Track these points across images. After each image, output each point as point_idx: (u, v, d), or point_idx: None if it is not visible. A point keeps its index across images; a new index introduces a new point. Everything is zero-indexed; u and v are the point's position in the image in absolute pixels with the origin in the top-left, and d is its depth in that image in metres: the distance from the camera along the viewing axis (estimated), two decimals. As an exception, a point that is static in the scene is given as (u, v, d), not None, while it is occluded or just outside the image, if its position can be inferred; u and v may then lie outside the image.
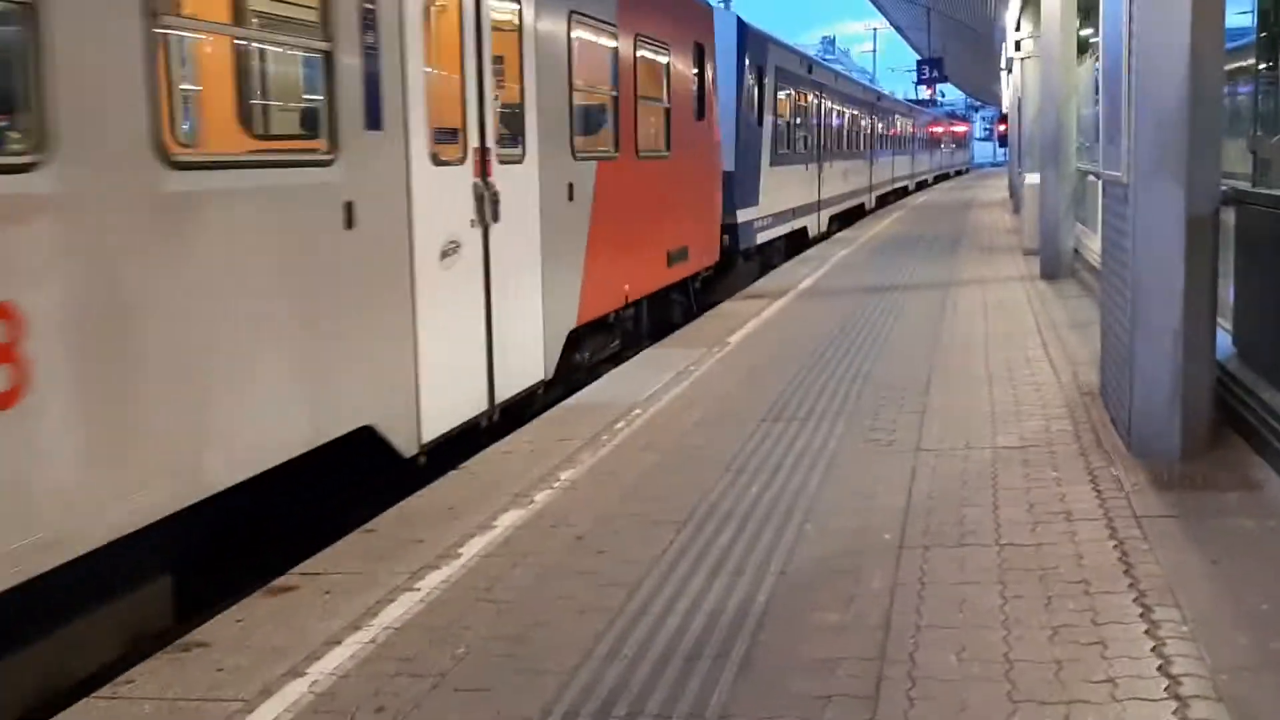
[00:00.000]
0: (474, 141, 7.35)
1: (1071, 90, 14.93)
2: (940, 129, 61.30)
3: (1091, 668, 3.78)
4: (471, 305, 7.39)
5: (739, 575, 4.77)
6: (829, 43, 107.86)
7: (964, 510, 5.46)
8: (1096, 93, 15.47)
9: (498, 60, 7.86)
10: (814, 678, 3.81)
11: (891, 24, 43.81)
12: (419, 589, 4.86)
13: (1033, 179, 17.55)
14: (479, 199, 7.33)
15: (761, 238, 18.05)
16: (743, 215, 16.65)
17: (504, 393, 7.83)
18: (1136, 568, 4.62)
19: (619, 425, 7.59)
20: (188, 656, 4.30)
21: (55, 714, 3.97)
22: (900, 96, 50.94)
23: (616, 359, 10.67)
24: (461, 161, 7.21)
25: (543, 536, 5.44)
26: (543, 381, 8.65)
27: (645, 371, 9.51)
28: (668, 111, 12.16)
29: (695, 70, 13.24)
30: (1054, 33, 14.65)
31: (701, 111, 13.56)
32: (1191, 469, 5.93)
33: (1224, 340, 6.88)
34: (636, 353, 10.82)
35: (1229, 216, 6.93)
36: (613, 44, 10.42)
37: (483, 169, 7.44)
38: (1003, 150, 71.03)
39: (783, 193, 19.62)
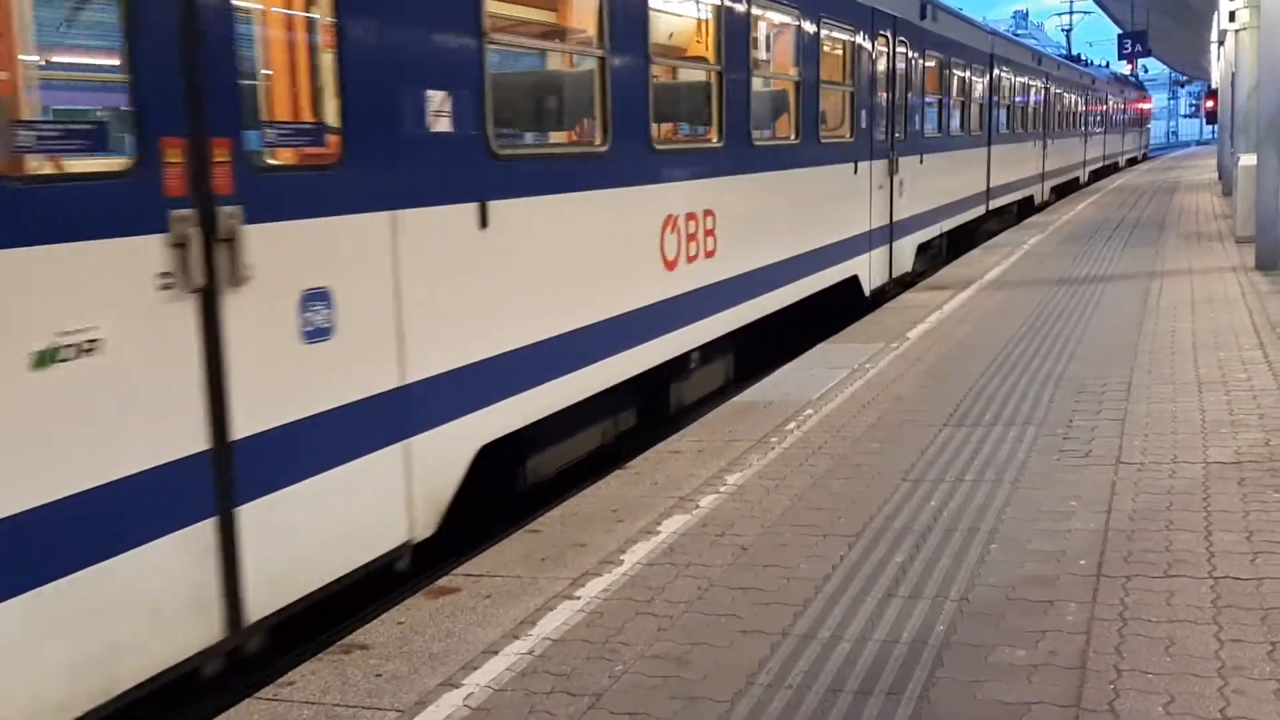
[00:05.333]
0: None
1: (1296, 64, 13.65)
2: (1107, 104, 41.06)
3: (1327, 734, 3.31)
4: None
5: (915, 600, 4.44)
6: (1021, 17, 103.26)
7: (1171, 535, 4.95)
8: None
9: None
10: (998, 724, 3.47)
11: (1090, -4, 41.47)
12: (579, 597, 4.73)
13: (1248, 160, 16.20)
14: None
15: None
16: None
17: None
18: (1379, 612, 4.06)
19: (790, 426, 7.30)
20: (348, 659, 4.29)
21: (220, 712, 4.01)
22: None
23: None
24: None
25: (707, 545, 5.23)
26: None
27: (818, 368, 9.17)
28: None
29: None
30: (1276, 1, 13.41)
31: None
32: None
33: None
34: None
35: None
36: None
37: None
38: (1210, 127, 66.28)
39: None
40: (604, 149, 6.82)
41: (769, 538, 5.28)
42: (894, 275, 13.84)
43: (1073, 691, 3.63)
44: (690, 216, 8.00)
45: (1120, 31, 41.56)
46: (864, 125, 12.42)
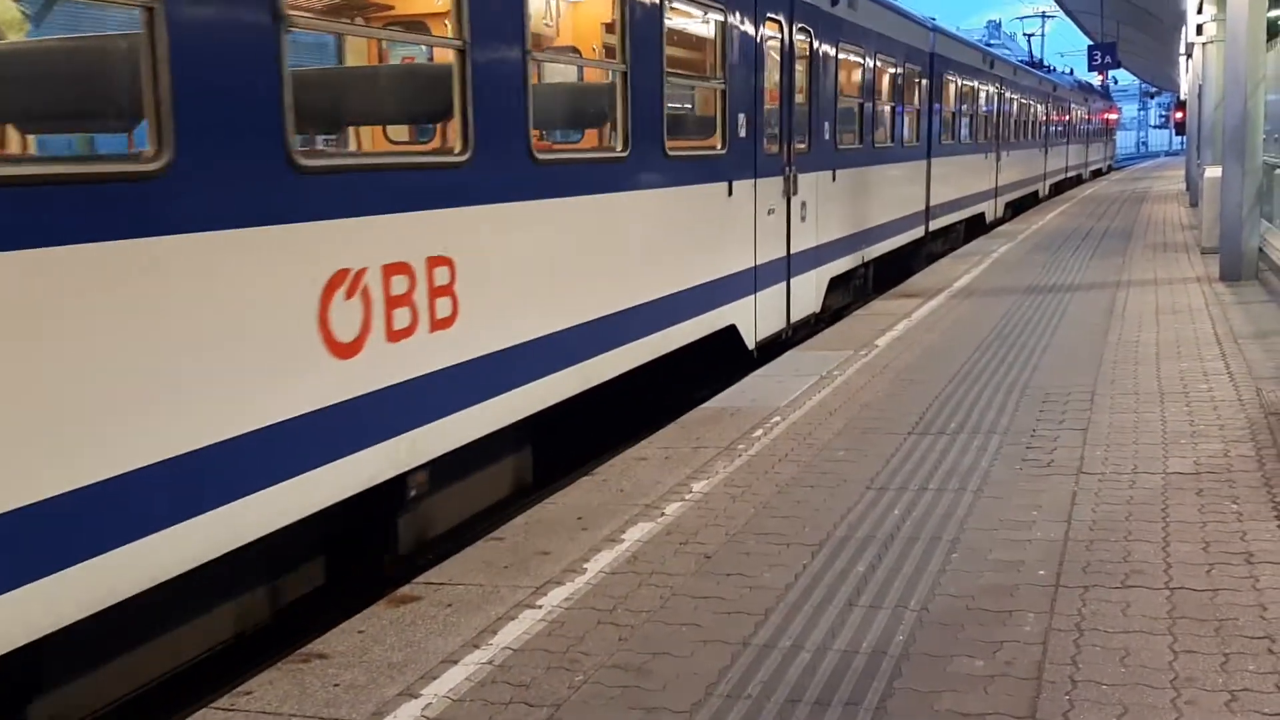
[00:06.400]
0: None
1: (1260, 77, 13.85)
2: (1070, 113, 38.99)
3: (1276, 745, 3.34)
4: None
5: (876, 610, 4.46)
6: (995, 26, 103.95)
7: (1130, 545, 4.99)
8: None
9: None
10: (954, 735, 3.49)
11: (1062, 8, 41.89)
12: (541, 606, 4.72)
13: (1213, 172, 16.41)
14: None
15: None
16: None
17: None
18: (1330, 624, 4.11)
19: (757, 433, 7.32)
20: (306, 668, 4.25)
21: (174, 722, 3.95)
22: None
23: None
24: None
25: (671, 554, 5.23)
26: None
27: (788, 375, 9.19)
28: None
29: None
30: (1241, 15, 13.60)
31: None
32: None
33: None
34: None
35: None
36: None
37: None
38: (1179, 138, 66.90)
39: None
40: (155, 166, 4.06)
41: (733, 546, 5.28)
42: (793, 319, 11.01)
43: (1028, 702, 3.65)
44: (397, 271, 5.23)
45: (1090, 43, 41.96)
46: (742, 134, 9.56)
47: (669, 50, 8.19)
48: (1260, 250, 13.82)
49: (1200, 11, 18.96)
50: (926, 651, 4.06)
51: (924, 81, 17.69)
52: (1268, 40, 14.01)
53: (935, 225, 18.62)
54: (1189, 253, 17.07)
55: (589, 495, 6.23)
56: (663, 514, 5.82)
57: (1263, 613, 4.22)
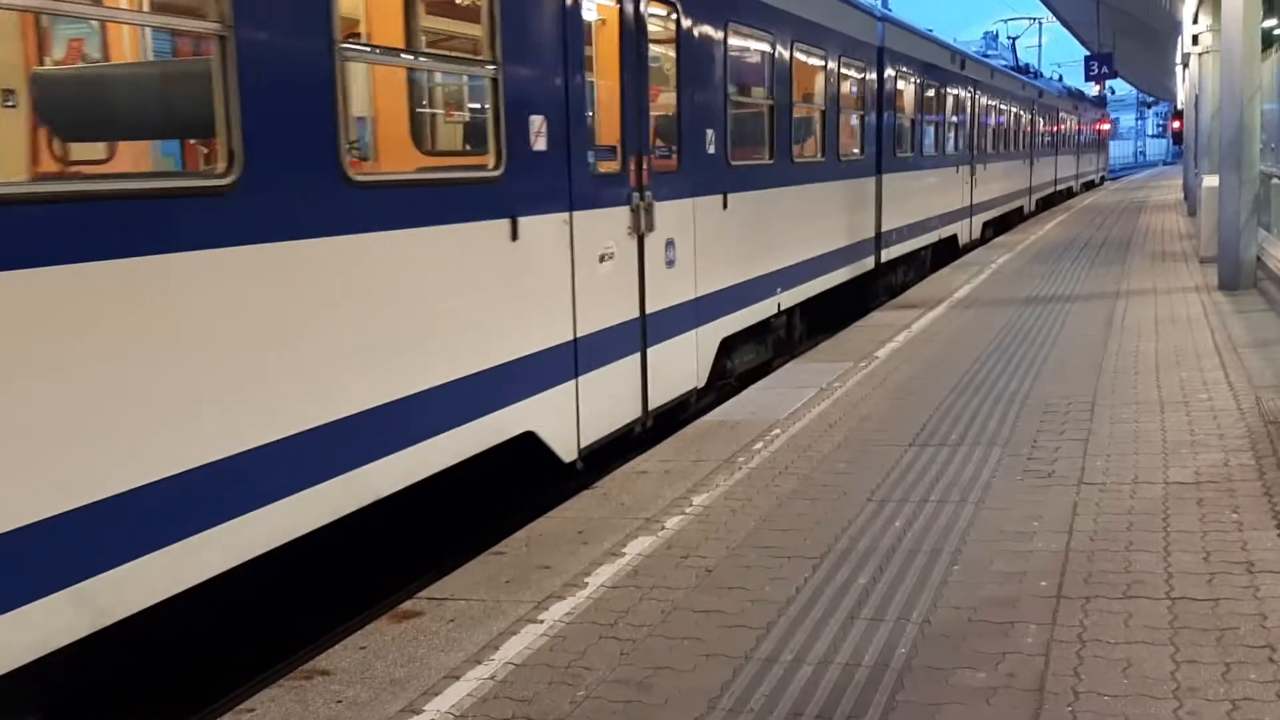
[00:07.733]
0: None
1: (1255, 88, 13.90)
2: (1059, 121, 37.00)
3: (1279, 755, 3.34)
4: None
5: (878, 622, 4.46)
6: (992, 37, 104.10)
7: (1131, 556, 5.00)
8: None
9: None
10: (957, 748, 3.49)
11: (1059, 19, 42.02)
12: (543, 620, 4.72)
13: (1210, 181, 16.45)
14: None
15: None
16: None
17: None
18: (1332, 633, 4.12)
19: (757, 446, 7.32)
20: (309, 685, 4.25)
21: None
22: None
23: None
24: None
25: (671, 568, 5.23)
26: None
27: (787, 387, 9.20)
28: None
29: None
30: (1236, 25, 13.66)
31: None
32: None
33: None
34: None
35: None
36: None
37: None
38: (1177, 147, 66.96)
39: None
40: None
41: (733, 560, 5.28)
42: (655, 404, 8.05)
43: (1031, 714, 3.65)
44: None
45: (1087, 53, 42.12)
46: (540, 146, 6.50)
47: (366, 12, 5.65)
48: (1258, 259, 13.85)
49: (1195, 22, 19.01)
50: (929, 664, 4.06)
51: (871, 81, 14.61)
52: (1262, 51, 14.06)
53: (889, 255, 15.38)
54: (1187, 262, 17.10)
55: (589, 509, 6.24)
56: (663, 528, 5.82)
57: (1264, 622, 4.22)
